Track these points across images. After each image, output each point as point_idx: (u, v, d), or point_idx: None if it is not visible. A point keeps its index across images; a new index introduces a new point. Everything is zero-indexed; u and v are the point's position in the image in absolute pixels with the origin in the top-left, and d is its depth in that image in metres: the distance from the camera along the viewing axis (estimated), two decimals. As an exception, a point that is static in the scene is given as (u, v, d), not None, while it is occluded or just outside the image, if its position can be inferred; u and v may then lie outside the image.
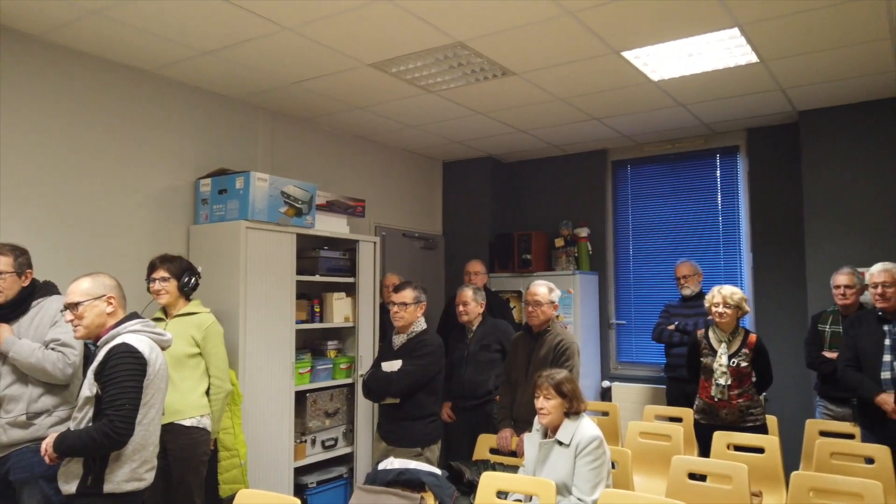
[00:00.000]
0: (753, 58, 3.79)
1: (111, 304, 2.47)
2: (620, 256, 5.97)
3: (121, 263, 3.68)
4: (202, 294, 3.59)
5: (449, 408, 4.41)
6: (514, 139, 5.59)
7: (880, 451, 3.28)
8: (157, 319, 3.39)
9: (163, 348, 2.53)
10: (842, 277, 4.02)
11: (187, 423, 3.19)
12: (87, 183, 3.64)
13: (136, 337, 2.42)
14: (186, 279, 3.39)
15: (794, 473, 2.94)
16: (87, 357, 2.81)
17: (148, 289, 3.39)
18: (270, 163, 4.68)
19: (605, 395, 5.70)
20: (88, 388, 2.37)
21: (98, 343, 2.44)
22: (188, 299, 3.43)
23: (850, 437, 3.71)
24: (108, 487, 2.33)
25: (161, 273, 3.34)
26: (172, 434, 3.12)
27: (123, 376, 2.32)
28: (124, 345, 2.37)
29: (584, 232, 5.85)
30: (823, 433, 3.80)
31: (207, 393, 3.31)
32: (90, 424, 2.34)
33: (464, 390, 4.20)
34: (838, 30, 3.44)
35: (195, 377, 3.28)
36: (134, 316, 2.51)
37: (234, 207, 3.92)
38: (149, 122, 3.95)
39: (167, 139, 4.05)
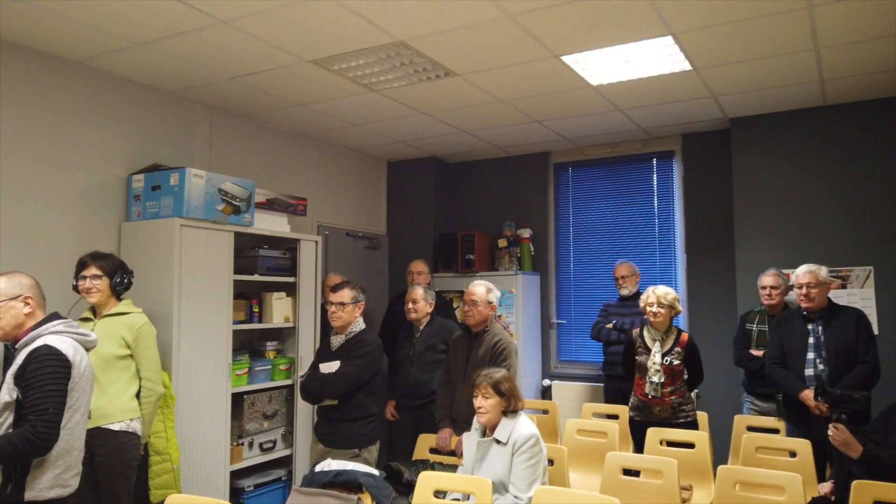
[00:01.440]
0: (686, 65, 3.91)
1: (28, 304, 2.38)
2: (561, 257, 6.06)
3: (46, 262, 3.53)
4: (133, 294, 3.46)
5: (393, 406, 4.40)
6: (458, 140, 5.61)
7: (802, 445, 3.43)
8: (86, 319, 3.26)
9: (87, 349, 2.45)
10: (767, 278, 4.19)
11: (116, 427, 3.08)
12: (10, 177, 3.47)
13: (59, 338, 2.33)
14: (119, 278, 3.27)
15: (720, 467, 3.05)
16: (6, 360, 2.68)
17: (76, 287, 3.25)
18: (208, 159, 4.56)
19: (546, 393, 5.79)
20: (8, 392, 2.27)
21: (17, 345, 2.34)
22: (119, 299, 3.32)
23: (776, 431, 3.86)
24: (30, 495, 2.24)
25: (92, 270, 3.21)
26: (100, 438, 3.01)
27: (46, 379, 2.24)
28: (46, 346, 2.28)
29: (526, 233, 5.91)
30: (751, 428, 3.94)
31: (138, 396, 3.21)
32: (10, 430, 2.24)
33: (408, 389, 4.20)
34: (765, 41, 3.58)
35: (125, 379, 3.17)
36: (55, 316, 2.42)
37: (168, 204, 3.81)
38: (77, 115, 3.80)
39: (97, 132, 3.90)
